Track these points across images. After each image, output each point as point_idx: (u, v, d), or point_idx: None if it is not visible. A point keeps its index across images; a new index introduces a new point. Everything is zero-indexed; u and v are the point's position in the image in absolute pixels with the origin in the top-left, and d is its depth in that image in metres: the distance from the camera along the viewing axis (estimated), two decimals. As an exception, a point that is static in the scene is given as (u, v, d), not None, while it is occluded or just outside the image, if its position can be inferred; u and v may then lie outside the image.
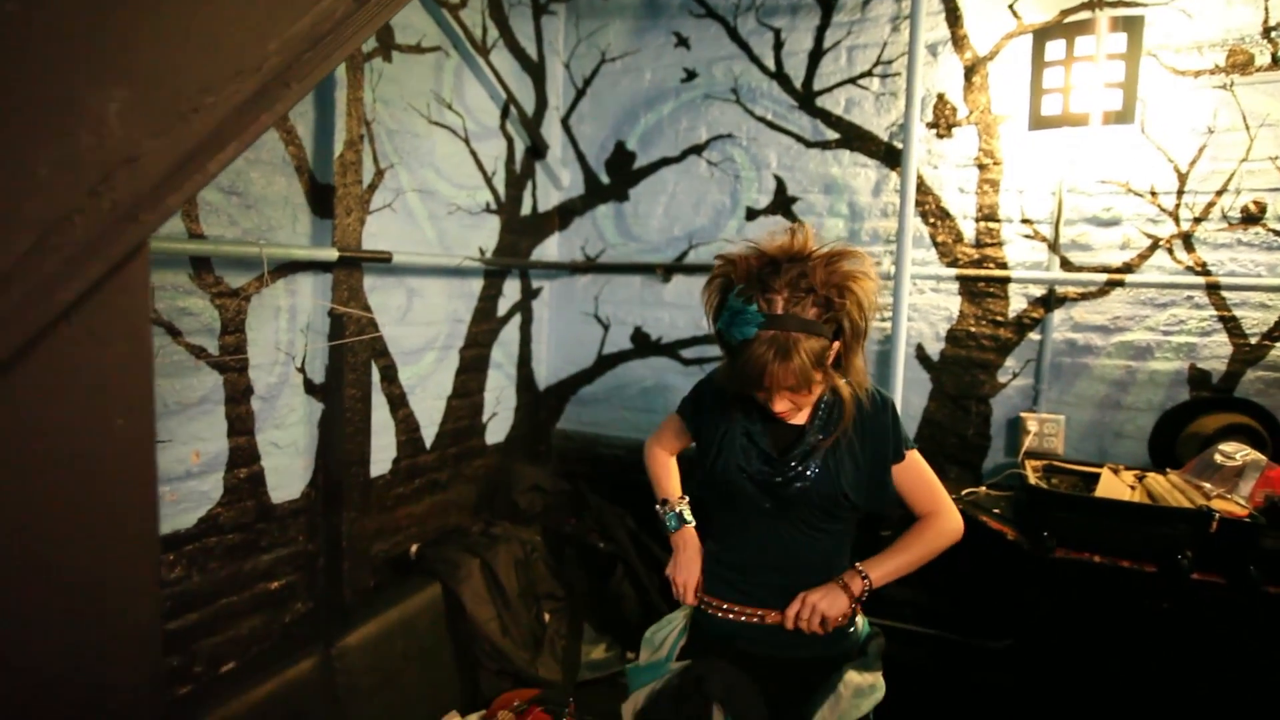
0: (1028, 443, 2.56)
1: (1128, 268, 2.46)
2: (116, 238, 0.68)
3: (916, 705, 2.19)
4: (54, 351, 0.66)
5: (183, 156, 0.73)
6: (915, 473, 1.52)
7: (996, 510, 2.35)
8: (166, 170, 0.71)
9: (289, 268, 2.17)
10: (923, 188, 2.75)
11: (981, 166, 2.66)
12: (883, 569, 1.49)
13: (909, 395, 2.80)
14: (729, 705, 1.45)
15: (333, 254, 2.17)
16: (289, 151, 2.14)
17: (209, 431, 2.00)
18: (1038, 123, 2.37)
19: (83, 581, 0.73)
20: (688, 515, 1.67)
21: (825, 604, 1.44)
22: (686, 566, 1.59)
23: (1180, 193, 2.39)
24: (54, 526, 0.69)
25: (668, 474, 1.77)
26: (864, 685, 1.43)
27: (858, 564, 1.50)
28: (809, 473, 1.45)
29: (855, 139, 2.88)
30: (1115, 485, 2.18)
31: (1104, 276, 2.47)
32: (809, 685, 1.48)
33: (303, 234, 2.21)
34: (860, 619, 1.58)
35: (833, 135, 2.92)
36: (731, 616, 1.53)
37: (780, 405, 1.37)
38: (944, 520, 1.53)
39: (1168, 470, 2.21)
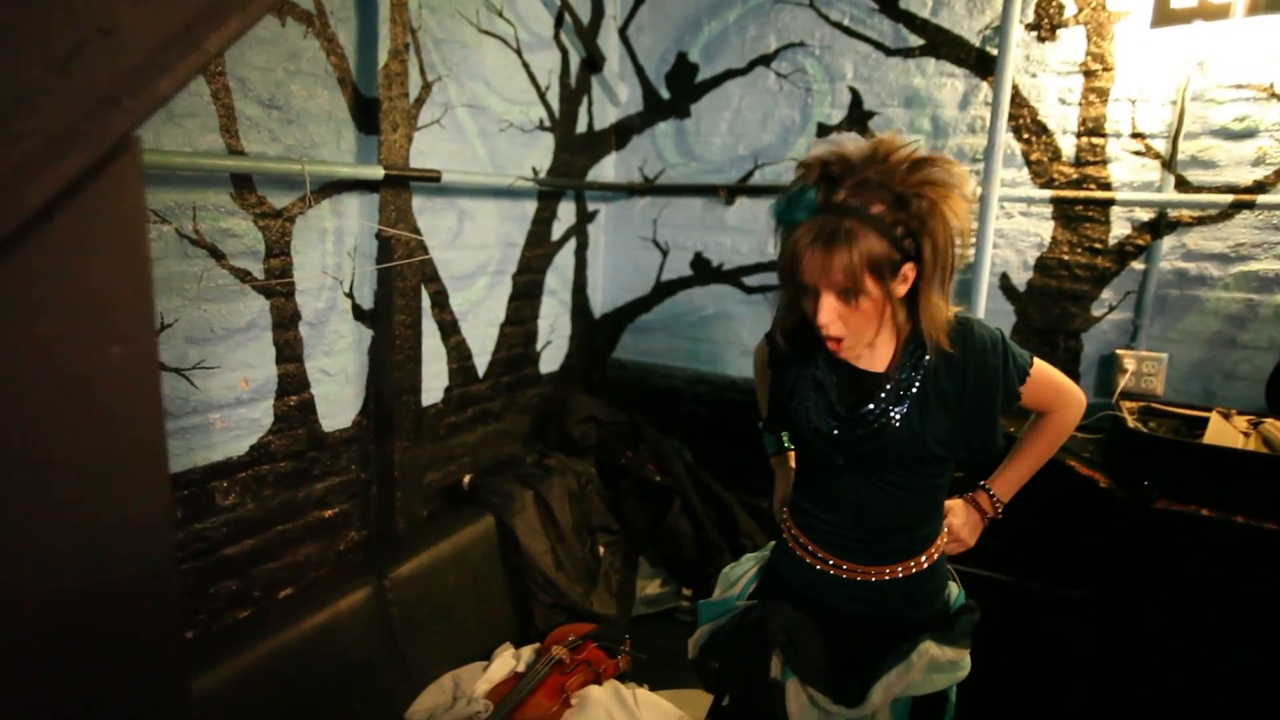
0: (1124, 382, 2.35)
1: (1260, 186, 2.17)
2: (94, 126, 0.56)
3: (982, 649, 2.08)
4: (28, 264, 0.55)
5: (173, 29, 0.60)
6: (1041, 384, 1.34)
7: (1086, 454, 2.17)
8: (153, 46, 0.58)
9: (334, 187, 2.06)
10: (1017, 99, 2.48)
11: (1089, 73, 2.37)
12: (1008, 482, 1.44)
13: (991, 329, 2.59)
14: (787, 651, 1.35)
15: (379, 172, 2.05)
16: (330, 62, 2.01)
17: (258, 358, 1.94)
18: (1164, 17, 2.08)
19: (88, 523, 0.64)
20: (784, 441, 1.58)
21: (969, 534, 1.45)
22: (778, 486, 1.59)
23: (1332, 98, 2.07)
24: (48, 467, 0.60)
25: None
26: (942, 660, 1.29)
27: (982, 483, 1.46)
28: (888, 428, 1.26)
29: (942, 45, 2.60)
30: (1226, 431, 1.98)
31: (1229, 197, 2.19)
32: (882, 645, 1.35)
33: (347, 151, 2.09)
34: (955, 587, 1.44)
35: (916, 41, 2.64)
36: (810, 561, 1.40)
37: (831, 325, 1.17)
38: (1067, 411, 1.39)
39: (1289, 416, 1.99)
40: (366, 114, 2.11)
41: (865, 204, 1.12)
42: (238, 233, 1.84)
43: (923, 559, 1.36)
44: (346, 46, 2.04)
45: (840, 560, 1.36)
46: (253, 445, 1.96)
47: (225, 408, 1.88)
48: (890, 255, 1.13)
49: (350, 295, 2.16)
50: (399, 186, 2.18)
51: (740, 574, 1.52)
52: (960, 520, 1.44)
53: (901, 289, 1.19)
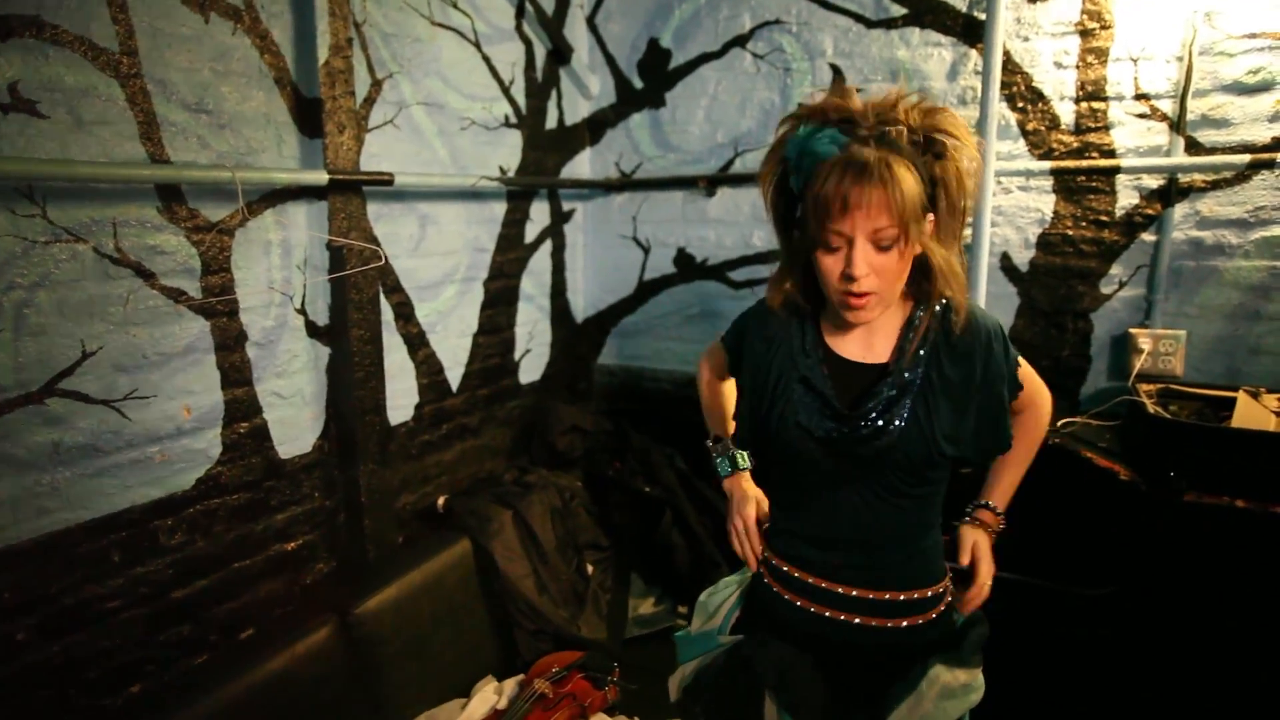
0: (1139, 364, 2.18)
1: (1279, 143, 2.00)
2: None
3: (999, 653, 1.92)
4: None
5: None
6: (1028, 376, 1.27)
7: (1102, 444, 2.00)
8: None
9: (277, 196, 1.91)
10: (1009, 66, 2.31)
11: (1085, 33, 2.20)
12: (1005, 493, 1.33)
13: (992, 313, 2.42)
14: (780, 693, 1.20)
15: (322, 177, 1.90)
16: (265, 61, 1.86)
17: (199, 384, 1.79)
18: (1164, -34, 1.91)
19: None
20: (743, 460, 1.39)
21: (991, 564, 1.25)
22: (739, 508, 1.34)
23: (1352, 44, 1.90)
24: None
25: (720, 404, 1.47)
26: (954, 685, 1.14)
27: (985, 500, 1.32)
28: (893, 426, 1.12)
29: (926, 13, 2.44)
30: (1256, 412, 1.81)
31: (1245, 157, 2.01)
32: (884, 670, 1.20)
33: (290, 157, 1.94)
34: None
35: (899, 11, 2.49)
36: (799, 602, 1.24)
37: (866, 279, 1.04)
38: (1040, 408, 1.32)
39: (1324, 392, 1.82)
40: (309, 116, 1.96)
41: (893, 142, 1.04)
42: (167, 249, 1.69)
43: (931, 614, 1.22)
44: (282, 43, 1.90)
45: (834, 584, 1.21)
46: (199, 478, 1.81)
47: (165, 439, 1.73)
48: (922, 200, 1.04)
49: (302, 311, 2.01)
50: (349, 192, 2.03)
51: (720, 602, 1.36)
52: (986, 565, 1.25)
53: (919, 246, 1.08)
